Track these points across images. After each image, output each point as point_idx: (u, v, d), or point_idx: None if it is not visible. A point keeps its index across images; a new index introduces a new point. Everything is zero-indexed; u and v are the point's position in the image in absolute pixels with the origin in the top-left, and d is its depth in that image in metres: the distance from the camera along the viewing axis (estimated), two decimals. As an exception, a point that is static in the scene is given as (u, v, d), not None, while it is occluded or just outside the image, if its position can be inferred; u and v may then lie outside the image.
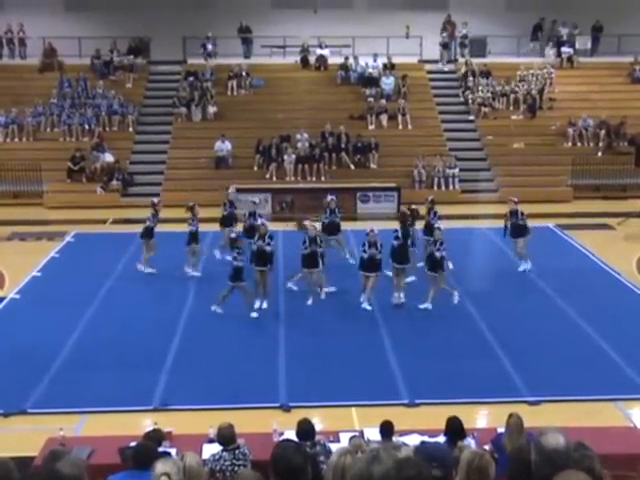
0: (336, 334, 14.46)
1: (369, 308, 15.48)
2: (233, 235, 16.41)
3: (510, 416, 8.33)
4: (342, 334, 14.46)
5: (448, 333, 14.45)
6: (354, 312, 15.42)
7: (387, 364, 13.01)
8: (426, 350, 13.63)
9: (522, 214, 18.32)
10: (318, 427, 8.79)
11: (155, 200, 19.71)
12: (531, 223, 20.29)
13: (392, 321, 15.04)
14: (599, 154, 28.30)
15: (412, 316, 15.29)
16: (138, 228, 22.33)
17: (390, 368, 12.84)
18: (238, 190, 24.33)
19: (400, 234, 16.05)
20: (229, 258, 16.04)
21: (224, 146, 27.69)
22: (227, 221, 19.36)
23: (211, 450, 8.24)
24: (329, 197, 19.11)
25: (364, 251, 15.56)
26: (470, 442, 8.33)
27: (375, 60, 31.71)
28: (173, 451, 8.30)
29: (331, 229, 18.48)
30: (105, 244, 21.15)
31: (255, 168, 27.54)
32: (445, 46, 32.89)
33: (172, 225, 23.49)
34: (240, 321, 15.07)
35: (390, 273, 16.13)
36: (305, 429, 7.97)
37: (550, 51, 33.11)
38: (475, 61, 32.35)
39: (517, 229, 18.15)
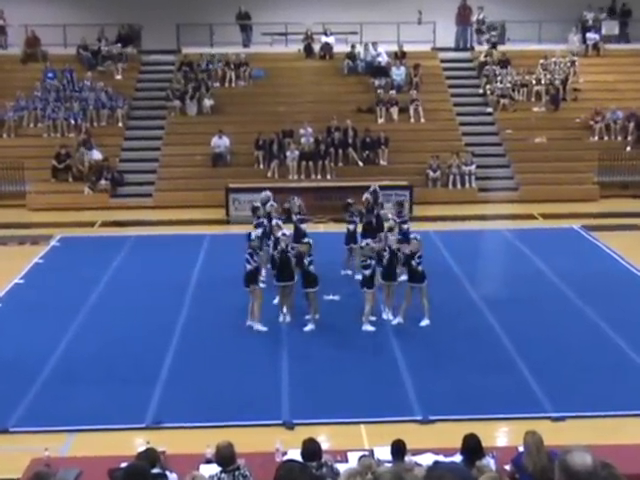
0: (343, 345, 14.47)
1: (393, 319, 15.48)
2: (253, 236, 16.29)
3: (527, 434, 8.31)
4: (350, 345, 14.47)
5: (464, 344, 14.44)
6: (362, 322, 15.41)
7: (398, 377, 13.02)
8: (440, 362, 13.63)
9: None
10: (324, 446, 8.81)
11: (253, 235, 16.68)
12: (554, 224, 20.39)
13: (403, 332, 15.04)
14: (628, 149, 28.30)
15: (425, 328, 15.27)
16: (129, 231, 22.43)
17: (402, 382, 12.85)
18: (238, 190, 24.48)
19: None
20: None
21: (221, 142, 27.75)
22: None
23: (209, 471, 8.24)
24: (294, 199, 19.10)
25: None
26: (489, 462, 8.33)
27: (384, 48, 31.73)
28: (174, 476, 8.29)
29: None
30: (93, 249, 21.20)
31: (255, 166, 27.58)
32: (463, 32, 32.92)
33: (165, 228, 23.57)
34: (240, 332, 15.09)
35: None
36: (310, 448, 7.98)
37: (574, 37, 33.10)
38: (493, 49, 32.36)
39: None
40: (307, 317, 15.38)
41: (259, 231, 17.40)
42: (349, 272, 18.12)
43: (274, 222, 17.54)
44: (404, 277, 15.95)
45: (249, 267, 15.14)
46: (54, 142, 27.90)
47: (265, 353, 14.14)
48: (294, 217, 18.25)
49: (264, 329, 15.12)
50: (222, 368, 13.45)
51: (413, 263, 15.19)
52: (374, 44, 31.63)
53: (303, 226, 17.75)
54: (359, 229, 18.19)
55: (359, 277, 16.18)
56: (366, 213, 18.30)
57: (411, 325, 15.33)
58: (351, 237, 18.18)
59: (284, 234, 16.92)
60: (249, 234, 16.46)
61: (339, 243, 18.59)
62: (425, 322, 15.28)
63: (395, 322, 15.42)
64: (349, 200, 18.86)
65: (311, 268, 15.43)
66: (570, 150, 28.37)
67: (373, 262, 15.20)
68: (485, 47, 32.91)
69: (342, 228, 19.03)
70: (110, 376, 13.09)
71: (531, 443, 8.20)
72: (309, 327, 15.18)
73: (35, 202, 26.08)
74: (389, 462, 8.42)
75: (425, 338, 14.87)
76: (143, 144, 29.03)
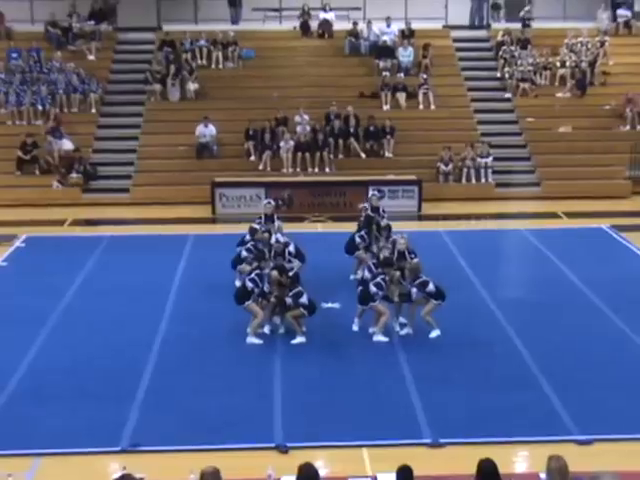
0: (343, 359, 14.47)
1: (401, 330, 15.50)
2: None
3: (550, 459, 8.31)
4: (351, 359, 14.48)
5: (478, 357, 14.44)
6: (366, 333, 15.43)
7: (405, 395, 13.01)
8: (452, 378, 13.63)
9: None
10: (322, 472, 8.80)
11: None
12: (580, 224, 20.39)
13: (411, 345, 15.04)
14: (664, 139, 28.34)
15: (435, 340, 15.28)
16: (103, 231, 22.40)
17: (409, 400, 12.84)
18: (226, 184, 24.47)
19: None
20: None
21: (207, 131, 27.77)
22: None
23: (192, 500, 8.25)
24: (265, 201, 19.18)
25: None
26: (507, 490, 8.33)
27: (390, 26, 31.78)
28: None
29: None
30: (63, 250, 21.19)
31: (245, 158, 27.59)
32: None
33: (144, 227, 23.57)
34: (226, 344, 15.09)
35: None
36: (307, 475, 7.99)
37: (603, 14, 33.14)
38: (512, 27, 32.40)
39: None
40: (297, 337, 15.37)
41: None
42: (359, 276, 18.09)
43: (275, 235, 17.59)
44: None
45: (255, 289, 15.17)
46: (19, 130, 27.92)
47: (255, 367, 14.13)
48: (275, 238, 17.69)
49: (258, 342, 15.12)
50: (207, 384, 13.43)
51: (429, 289, 15.15)
52: (390, 20, 31.59)
53: (290, 248, 17.49)
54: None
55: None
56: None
57: (420, 336, 15.33)
58: (355, 248, 18.21)
59: (277, 240, 17.00)
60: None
61: (338, 244, 18.58)
62: (435, 333, 15.29)
63: (403, 332, 15.44)
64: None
65: (302, 300, 15.22)
66: (598, 141, 28.42)
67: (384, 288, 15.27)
68: (503, 25, 32.94)
69: (342, 228, 19.04)
70: (81, 393, 13.06)
71: (555, 469, 8.18)
72: (298, 339, 15.18)
73: (-3, 198, 26.09)
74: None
75: (435, 350, 14.86)
76: (119, 133, 29.03)
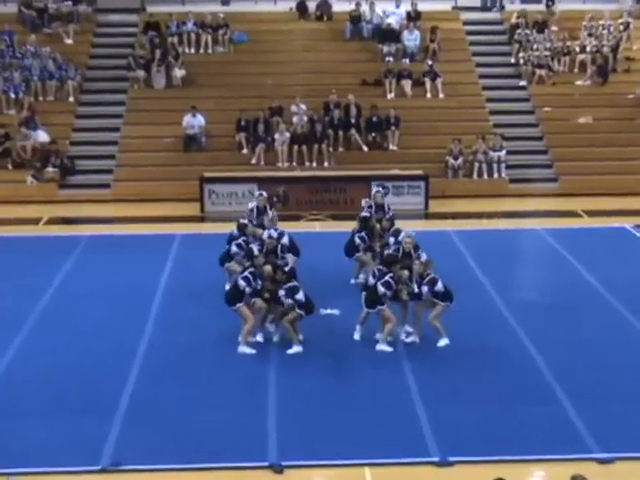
0: (343, 370, 14.47)
1: (407, 337, 15.50)
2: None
3: (573, 479, 8.34)
4: (351, 369, 14.48)
5: (490, 367, 14.45)
6: (368, 342, 15.44)
7: (411, 409, 13.02)
8: (462, 390, 13.63)
9: None
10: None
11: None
12: (601, 223, 20.38)
13: (417, 354, 15.05)
14: (693, 131, 28.39)
15: (443, 348, 15.30)
16: (81, 230, 22.38)
17: (415, 414, 12.85)
18: (216, 180, 24.47)
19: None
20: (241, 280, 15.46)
21: (195, 121, 27.78)
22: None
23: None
24: (257, 193, 19.30)
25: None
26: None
27: (397, 7, 31.80)
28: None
29: None
30: (38, 251, 21.20)
31: (237, 151, 27.59)
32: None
33: (126, 227, 23.58)
34: (216, 353, 15.09)
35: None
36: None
37: (627, -6, 33.23)
38: (528, 8, 32.42)
39: None
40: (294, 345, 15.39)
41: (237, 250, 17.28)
42: (361, 280, 18.08)
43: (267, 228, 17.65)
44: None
45: (246, 289, 15.13)
46: (-10, 121, 27.95)
47: (248, 378, 14.13)
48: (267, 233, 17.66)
49: (250, 351, 15.12)
50: (195, 397, 13.43)
51: (438, 289, 15.17)
52: (396, 0, 31.56)
53: (284, 240, 17.50)
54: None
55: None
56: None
57: (426, 343, 15.34)
58: (355, 250, 18.20)
59: (270, 236, 17.02)
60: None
61: (338, 245, 18.59)
62: (444, 342, 15.31)
63: (409, 340, 15.45)
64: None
65: (298, 297, 15.19)
66: (621, 132, 28.46)
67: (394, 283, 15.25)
68: (518, 6, 32.97)
69: (342, 227, 19.04)
70: (58, 406, 13.06)
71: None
72: (294, 349, 15.19)
73: (-33, 194, 26.10)
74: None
75: (443, 359, 14.87)
76: (99, 123, 29.05)
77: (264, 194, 19.50)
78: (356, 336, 15.61)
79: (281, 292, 15.11)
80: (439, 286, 15.15)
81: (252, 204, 19.25)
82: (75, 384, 13.82)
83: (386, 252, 16.45)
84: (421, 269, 15.37)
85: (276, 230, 17.61)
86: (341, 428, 12.47)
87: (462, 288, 16.59)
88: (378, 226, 18.24)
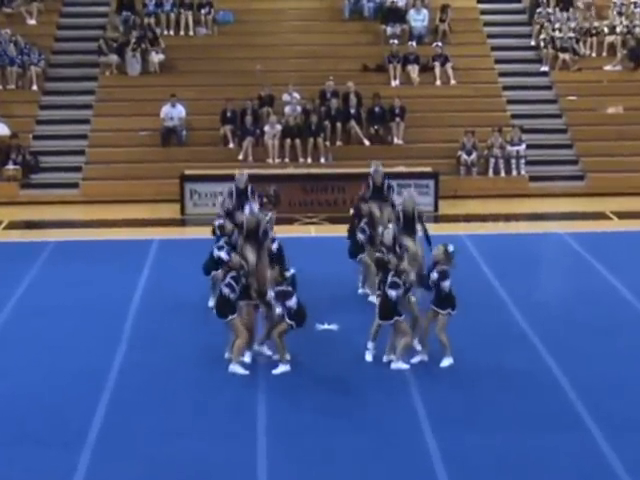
0: (343, 394, 14.44)
1: (424, 358, 15.49)
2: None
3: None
4: (352, 392, 14.44)
5: (509, 391, 14.42)
6: (370, 361, 15.40)
7: (419, 438, 12.99)
8: (476, 416, 13.61)
9: None
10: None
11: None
12: (633, 226, 20.34)
13: (426, 375, 15.02)
14: None
15: (455, 369, 15.27)
16: (46, 235, 22.33)
17: (424, 445, 12.82)
18: (198, 178, 24.41)
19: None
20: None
21: (175, 112, 27.77)
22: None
23: None
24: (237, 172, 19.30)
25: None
26: None
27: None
28: None
29: None
30: (-3, 259, 21.19)
31: (222, 145, 27.57)
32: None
33: (97, 231, 23.55)
34: (199, 375, 15.05)
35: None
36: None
37: (662, -33, 33.24)
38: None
39: None
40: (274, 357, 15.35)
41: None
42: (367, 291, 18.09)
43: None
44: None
45: (231, 295, 15.02)
46: (-57, 112, 27.94)
47: (234, 403, 14.09)
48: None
49: (243, 372, 15.08)
50: (174, 425, 13.38)
51: (444, 285, 15.13)
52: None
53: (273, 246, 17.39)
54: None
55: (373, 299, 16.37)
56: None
57: (436, 363, 15.31)
58: (360, 248, 18.06)
59: (251, 211, 16.75)
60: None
61: (336, 251, 18.55)
62: (448, 361, 15.28)
63: (416, 360, 15.40)
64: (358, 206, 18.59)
65: (290, 304, 15.05)
66: (656, 124, 28.49)
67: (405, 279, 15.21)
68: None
69: (340, 231, 19.02)
70: (19, 436, 12.99)
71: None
72: (281, 368, 15.14)
73: None
74: None
75: (456, 382, 14.82)
76: (66, 115, 29.05)
77: (245, 174, 19.25)
78: (368, 357, 15.49)
79: (271, 293, 15.05)
80: (446, 283, 15.05)
81: (224, 193, 19.04)
82: (38, 410, 13.76)
83: (376, 255, 16.30)
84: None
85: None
86: (340, 458, 12.43)
87: (476, 299, 16.61)
88: (377, 212, 18.12)
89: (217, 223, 17.60)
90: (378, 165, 19.48)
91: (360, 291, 18.35)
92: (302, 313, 15.21)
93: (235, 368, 15.06)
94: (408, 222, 17.11)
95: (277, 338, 15.13)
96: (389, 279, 15.12)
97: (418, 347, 15.57)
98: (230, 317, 15.00)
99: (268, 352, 15.54)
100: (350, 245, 18.27)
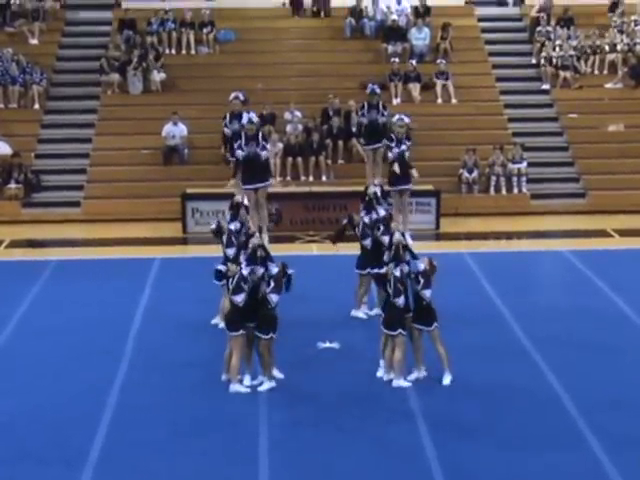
0: (343, 412, 14.42)
1: (421, 376, 15.46)
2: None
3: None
4: (353, 412, 14.42)
5: (511, 409, 14.41)
6: (370, 379, 15.39)
7: (421, 456, 12.97)
8: (478, 434, 13.59)
9: None
10: None
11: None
12: (635, 244, 20.33)
13: (428, 393, 15.00)
14: None
15: (456, 385, 15.26)
16: (48, 254, 22.32)
17: (426, 463, 12.80)
18: (199, 197, 24.40)
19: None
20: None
21: (177, 130, 27.79)
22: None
23: None
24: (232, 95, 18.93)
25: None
26: None
27: (401, 2, 31.86)
28: None
29: None
30: (-1, 278, 21.21)
31: (223, 164, 27.54)
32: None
33: (98, 250, 23.55)
34: (200, 394, 15.03)
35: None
36: None
37: (663, -15, 33.30)
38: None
39: None
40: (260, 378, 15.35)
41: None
42: (365, 313, 18.05)
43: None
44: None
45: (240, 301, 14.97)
46: (-56, 131, 27.98)
47: (235, 422, 14.07)
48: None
49: (245, 390, 15.06)
50: (175, 443, 13.35)
51: (426, 293, 15.11)
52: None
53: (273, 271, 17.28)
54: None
55: (378, 312, 16.34)
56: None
57: (440, 387, 15.28)
58: (367, 258, 17.99)
59: (250, 121, 16.96)
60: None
61: (338, 269, 18.56)
62: (448, 378, 15.26)
63: (412, 378, 15.37)
64: (350, 215, 18.59)
65: (273, 297, 15.07)
66: (657, 142, 28.49)
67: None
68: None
69: (343, 250, 18.96)
70: (20, 454, 12.97)
71: None
72: (266, 385, 15.14)
73: None
74: None
75: (457, 398, 14.81)
76: (68, 133, 29.06)
77: (240, 96, 18.91)
78: (380, 373, 15.51)
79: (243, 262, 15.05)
80: (427, 293, 15.01)
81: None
82: (40, 428, 13.76)
83: (375, 271, 16.28)
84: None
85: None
86: (341, 474, 12.43)
87: (478, 316, 16.61)
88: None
89: (212, 226, 17.49)
90: (374, 86, 19.42)
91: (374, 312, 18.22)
92: (280, 280, 15.10)
93: (236, 387, 15.05)
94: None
95: (264, 352, 15.07)
96: (391, 289, 15.10)
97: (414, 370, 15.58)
98: (237, 333, 14.93)
99: (280, 375, 15.51)
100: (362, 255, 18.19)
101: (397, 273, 15.05)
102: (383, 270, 15.42)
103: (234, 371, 15.08)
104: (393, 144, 18.39)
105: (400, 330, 15.04)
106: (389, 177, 18.45)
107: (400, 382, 15.16)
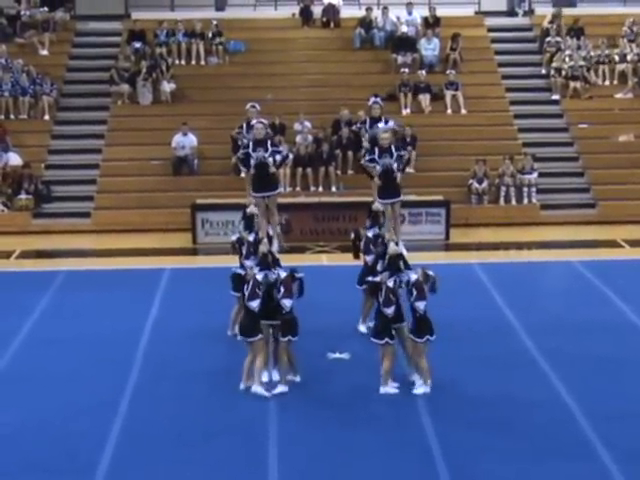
0: (353, 422, 14.41)
1: (416, 387, 15.44)
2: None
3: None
4: (362, 423, 14.41)
5: (521, 422, 14.36)
6: (377, 390, 15.40)
7: (430, 464, 12.96)
8: (488, 445, 13.56)
9: None
10: None
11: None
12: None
13: (437, 404, 14.99)
14: None
15: (466, 396, 15.25)
16: (58, 264, 22.37)
17: (434, 470, 12.79)
18: (209, 207, 24.42)
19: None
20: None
21: (186, 141, 27.83)
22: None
23: None
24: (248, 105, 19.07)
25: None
26: None
27: (411, 13, 31.91)
28: None
29: None
30: (8, 288, 21.23)
31: (233, 174, 27.59)
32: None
33: (108, 260, 23.58)
34: (210, 403, 15.04)
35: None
36: None
37: (673, -5, 33.31)
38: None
39: None
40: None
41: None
42: (368, 327, 18.08)
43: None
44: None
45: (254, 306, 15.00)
46: (-45, 142, 28.04)
47: (244, 431, 14.06)
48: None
49: (267, 394, 15.10)
50: (186, 453, 13.33)
51: (419, 305, 15.09)
52: (410, 5, 31.80)
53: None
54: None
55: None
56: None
57: (446, 392, 15.28)
58: (368, 275, 17.99)
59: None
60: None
61: (347, 280, 18.55)
62: (422, 389, 15.23)
63: (420, 391, 15.34)
64: (357, 229, 18.55)
65: (286, 302, 15.18)
66: (668, 152, 28.47)
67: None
68: (549, 9, 32.99)
69: (351, 260, 18.97)
70: (30, 466, 12.97)
71: None
72: (280, 389, 15.18)
73: None
74: None
75: (466, 409, 14.78)
76: (78, 144, 29.13)
77: (257, 106, 19.04)
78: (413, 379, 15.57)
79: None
80: (421, 304, 14.95)
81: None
82: (49, 440, 13.75)
83: (369, 279, 16.26)
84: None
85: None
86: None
87: (487, 327, 16.59)
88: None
89: (233, 238, 17.54)
90: (377, 99, 19.63)
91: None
92: (288, 284, 15.20)
93: (257, 389, 15.09)
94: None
95: (283, 355, 15.14)
96: (381, 298, 15.12)
97: (415, 378, 15.54)
98: (260, 336, 14.98)
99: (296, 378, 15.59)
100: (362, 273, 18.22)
101: (390, 283, 15.08)
102: (377, 278, 15.48)
103: (258, 374, 15.08)
104: (375, 155, 16.68)
105: (387, 339, 15.09)
106: (377, 190, 17.20)
107: (387, 389, 15.20)
